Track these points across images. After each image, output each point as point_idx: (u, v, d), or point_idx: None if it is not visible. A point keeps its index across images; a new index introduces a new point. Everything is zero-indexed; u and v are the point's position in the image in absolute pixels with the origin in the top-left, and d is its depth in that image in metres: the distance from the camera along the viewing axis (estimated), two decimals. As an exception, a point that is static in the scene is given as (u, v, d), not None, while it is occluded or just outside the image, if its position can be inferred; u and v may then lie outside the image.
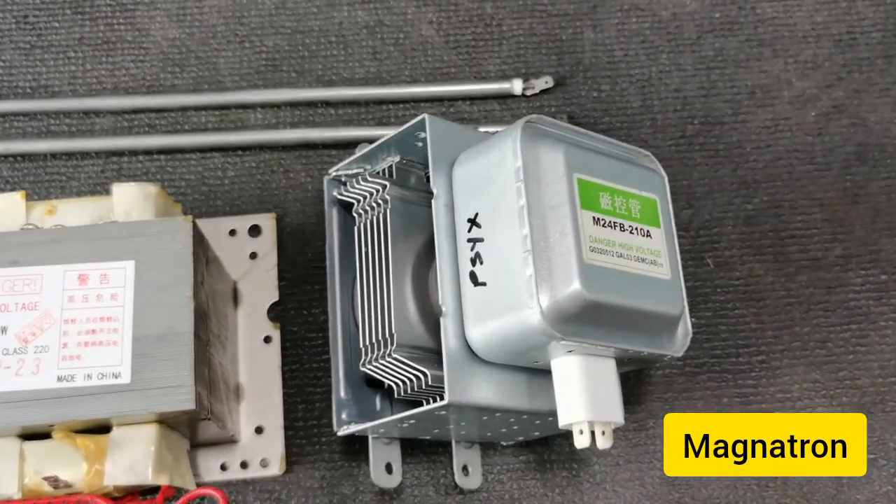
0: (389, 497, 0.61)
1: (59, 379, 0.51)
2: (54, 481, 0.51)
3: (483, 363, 0.50)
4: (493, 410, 0.50)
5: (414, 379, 0.51)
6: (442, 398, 0.50)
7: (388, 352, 0.52)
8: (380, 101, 0.70)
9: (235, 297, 0.65)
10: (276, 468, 0.61)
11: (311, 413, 0.63)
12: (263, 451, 0.62)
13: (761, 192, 0.68)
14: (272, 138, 0.69)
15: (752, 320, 0.65)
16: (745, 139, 0.70)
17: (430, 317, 0.53)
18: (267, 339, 0.64)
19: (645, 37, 0.72)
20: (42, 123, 0.69)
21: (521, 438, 0.60)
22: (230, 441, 0.62)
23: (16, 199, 0.56)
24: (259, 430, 0.62)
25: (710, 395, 0.64)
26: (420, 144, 0.56)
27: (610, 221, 0.49)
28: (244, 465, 0.62)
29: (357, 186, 0.57)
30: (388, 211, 0.54)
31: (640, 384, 0.64)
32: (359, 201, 0.57)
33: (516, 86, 0.70)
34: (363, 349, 0.54)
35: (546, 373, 0.51)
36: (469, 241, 0.50)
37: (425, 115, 0.53)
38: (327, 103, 0.70)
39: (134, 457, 0.52)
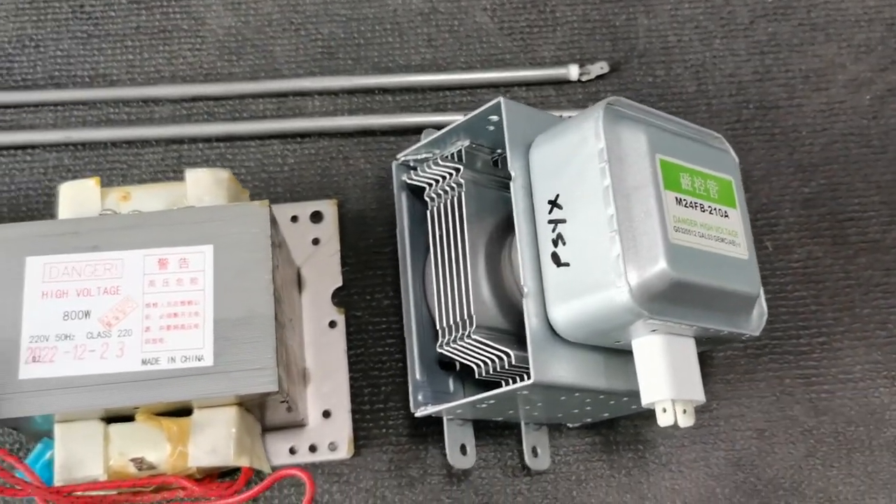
0: (458, 479, 0.62)
1: (144, 362, 0.52)
2: (140, 463, 0.51)
3: (564, 343, 0.50)
4: (574, 390, 0.51)
5: (496, 359, 0.51)
6: (523, 378, 0.50)
7: (466, 333, 0.52)
8: (437, 88, 0.71)
9: (299, 283, 0.65)
10: (343, 451, 0.62)
11: (377, 397, 0.64)
12: (331, 435, 0.62)
13: (818, 176, 0.69)
14: (331, 125, 0.69)
15: (812, 302, 0.66)
16: (800, 123, 0.70)
17: (504, 298, 0.54)
18: (332, 324, 0.64)
19: (698, 22, 0.73)
20: (101, 112, 0.70)
21: (588, 420, 0.61)
22: (298, 425, 0.62)
23: (90, 185, 0.57)
24: (326, 414, 0.63)
25: (771, 376, 0.64)
26: (491, 128, 0.56)
27: (691, 202, 0.49)
28: (312, 448, 0.62)
29: (429, 171, 0.57)
30: (462, 194, 0.55)
31: (702, 366, 0.63)
32: (430, 185, 0.57)
33: (572, 71, 0.70)
34: (439, 331, 0.55)
35: (624, 353, 0.52)
36: (550, 222, 0.50)
37: (501, 99, 0.53)
38: (384, 90, 0.71)
39: (216, 438, 0.53)
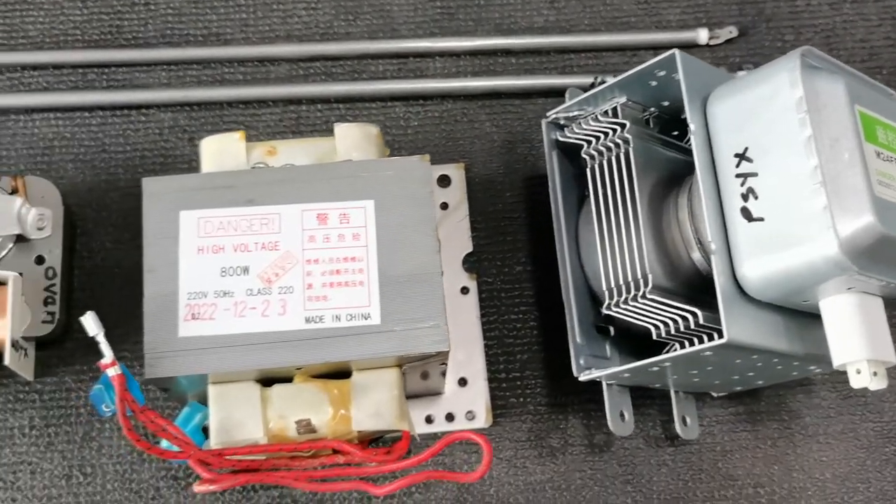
0: (599, 449, 0.60)
1: (308, 320, 0.49)
2: (306, 426, 0.49)
3: (750, 302, 0.48)
4: (758, 351, 0.49)
5: (679, 320, 0.49)
6: (703, 340, 0.48)
7: (641, 294, 0.51)
8: (562, 51, 0.69)
9: (430, 248, 0.63)
10: (482, 420, 0.60)
11: (512, 365, 0.62)
12: (468, 404, 0.60)
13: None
14: (456, 87, 0.67)
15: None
16: (933, 89, 0.68)
17: (669, 257, 0.52)
18: (464, 290, 0.62)
19: (826, -14, 0.71)
20: (216, 72, 0.68)
21: (737, 388, 0.59)
22: (434, 393, 0.60)
23: (235, 138, 0.55)
24: (463, 382, 0.61)
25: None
26: (654, 83, 0.54)
27: (887, 156, 0.47)
28: (450, 417, 0.60)
29: (587, 127, 0.55)
30: (629, 150, 0.53)
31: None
32: (589, 142, 0.55)
33: (702, 35, 0.68)
34: (606, 292, 0.53)
35: (803, 315, 0.50)
36: (738, 176, 0.48)
37: (676, 51, 0.51)
38: (508, 52, 0.68)
39: (380, 401, 0.50)
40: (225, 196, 0.51)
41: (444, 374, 0.55)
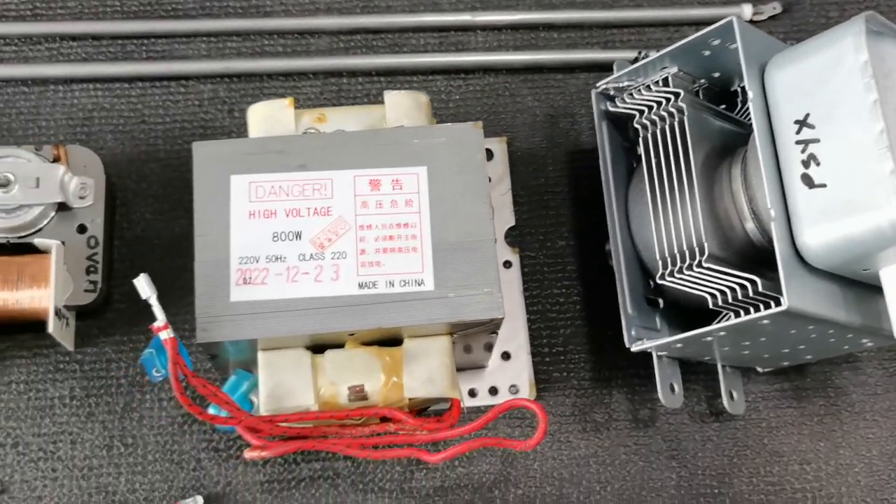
0: (644, 424, 0.60)
1: (361, 286, 0.49)
2: (359, 392, 0.49)
3: (810, 270, 0.48)
4: (816, 321, 0.49)
5: (737, 288, 0.49)
6: (759, 308, 0.48)
7: (697, 262, 0.50)
8: (604, 25, 0.68)
9: (472, 221, 0.62)
10: (525, 394, 0.59)
11: (556, 339, 0.61)
12: (512, 378, 0.60)
13: None
14: (497, 60, 0.66)
15: None
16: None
17: (721, 226, 0.52)
18: (507, 264, 0.62)
19: (870, -38, 0.70)
20: (256, 44, 0.67)
21: (785, 363, 0.58)
22: (478, 367, 0.60)
23: (283, 105, 0.54)
24: (506, 356, 0.60)
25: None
26: (707, 53, 0.54)
27: (950, 123, 0.47)
28: (493, 391, 0.60)
29: (639, 97, 0.55)
30: (684, 120, 0.52)
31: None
32: (642, 112, 0.55)
33: (745, 11, 0.68)
34: (659, 262, 0.52)
35: (861, 286, 0.49)
36: (798, 143, 0.47)
37: (733, 18, 0.51)
38: (550, 26, 0.68)
39: (432, 369, 0.50)
40: (276, 161, 0.51)
41: (491, 346, 0.55)
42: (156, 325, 0.47)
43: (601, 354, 0.61)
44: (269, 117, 0.54)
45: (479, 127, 0.52)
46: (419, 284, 0.49)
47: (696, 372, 0.60)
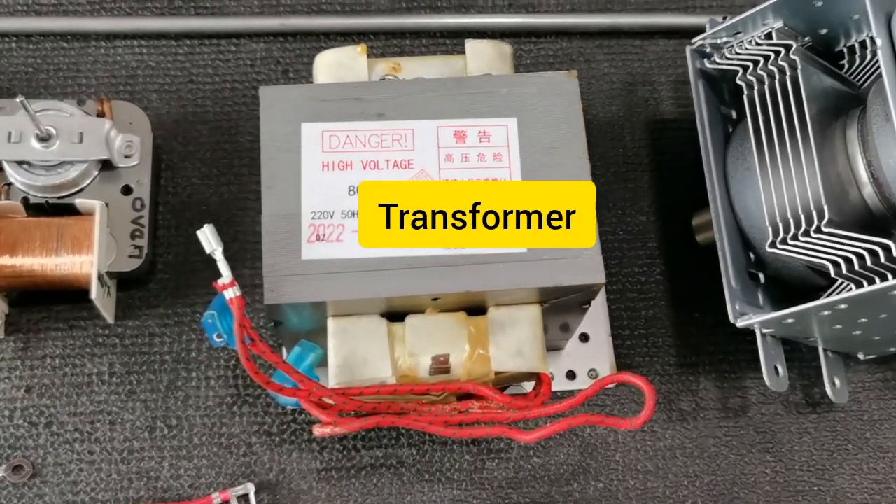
0: (735, 414, 0.55)
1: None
2: (443, 363, 0.44)
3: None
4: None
5: (866, 255, 0.44)
6: (886, 278, 0.43)
7: (815, 228, 0.45)
8: (684, -11, 0.64)
9: (547, 192, 0.58)
10: (606, 379, 0.54)
11: (637, 321, 0.56)
12: (590, 361, 0.55)
13: None
14: (571, 23, 0.62)
15: None
16: None
17: (835, 192, 0.47)
18: (584, 240, 0.57)
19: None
20: (312, 1, 0.62)
21: (891, 350, 0.53)
22: (554, 348, 0.55)
23: (356, 52, 0.49)
24: (584, 338, 0.55)
25: None
26: (819, 4, 0.49)
27: None
28: (571, 375, 0.55)
29: (745, 51, 0.50)
30: (797, 75, 0.48)
31: None
32: (746, 68, 0.50)
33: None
34: (770, 229, 0.47)
35: None
36: (933, 94, 0.43)
37: (856, -41, 0.46)
38: (628, -11, 0.64)
39: (521, 340, 0.45)
40: (352, 109, 0.46)
41: (568, 327, 0.50)
42: (221, 281, 0.42)
43: (687, 338, 0.56)
44: (339, 64, 0.49)
45: (574, 76, 0.47)
46: (511, 245, 0.44)
47: (790, 359, 0.55)
